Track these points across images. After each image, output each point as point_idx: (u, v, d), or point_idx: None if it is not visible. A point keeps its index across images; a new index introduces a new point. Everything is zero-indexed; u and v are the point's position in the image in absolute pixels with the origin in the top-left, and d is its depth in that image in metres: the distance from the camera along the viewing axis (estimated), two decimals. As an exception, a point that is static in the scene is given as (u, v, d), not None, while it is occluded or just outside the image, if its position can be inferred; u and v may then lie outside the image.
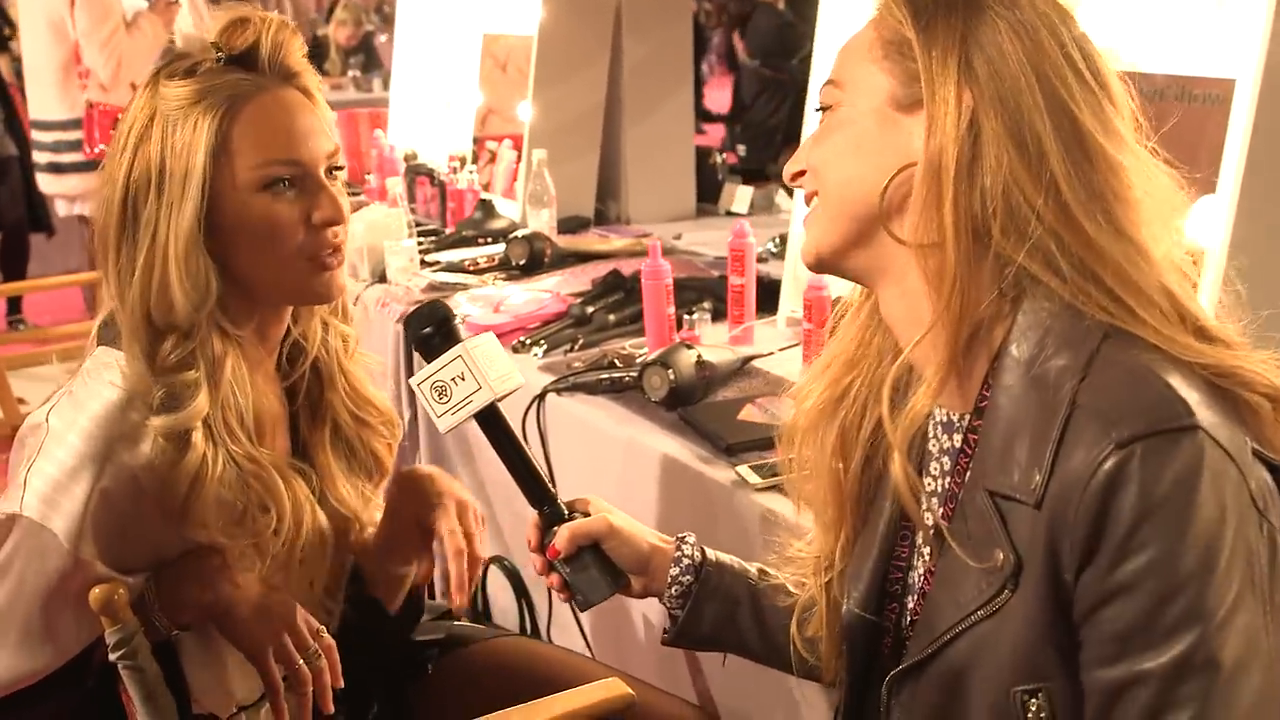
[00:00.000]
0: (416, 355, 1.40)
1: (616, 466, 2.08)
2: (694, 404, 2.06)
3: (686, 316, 2.40)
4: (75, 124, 4.81)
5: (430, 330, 1.38)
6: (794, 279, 2.54)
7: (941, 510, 1.12)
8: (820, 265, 1.14)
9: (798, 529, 1.58)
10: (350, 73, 8.18)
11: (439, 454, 2.71)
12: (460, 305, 2.73)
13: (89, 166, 4.81)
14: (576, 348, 2.45)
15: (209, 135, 1.35)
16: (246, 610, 1.41)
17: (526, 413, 2.23)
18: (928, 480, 1.16)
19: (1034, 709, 1.01)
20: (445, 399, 1.35)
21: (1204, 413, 0.95)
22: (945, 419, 1.13)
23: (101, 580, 1.34)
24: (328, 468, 1.56)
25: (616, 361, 2.30)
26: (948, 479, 1.13)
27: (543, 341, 2.46)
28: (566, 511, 1.41)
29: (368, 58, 8.61)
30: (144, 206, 1.36)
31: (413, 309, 1.39)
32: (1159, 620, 0.93)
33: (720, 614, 1.40)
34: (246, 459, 1.39)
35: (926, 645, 1.09)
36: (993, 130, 1.01)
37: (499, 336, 2.44)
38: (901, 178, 1.05)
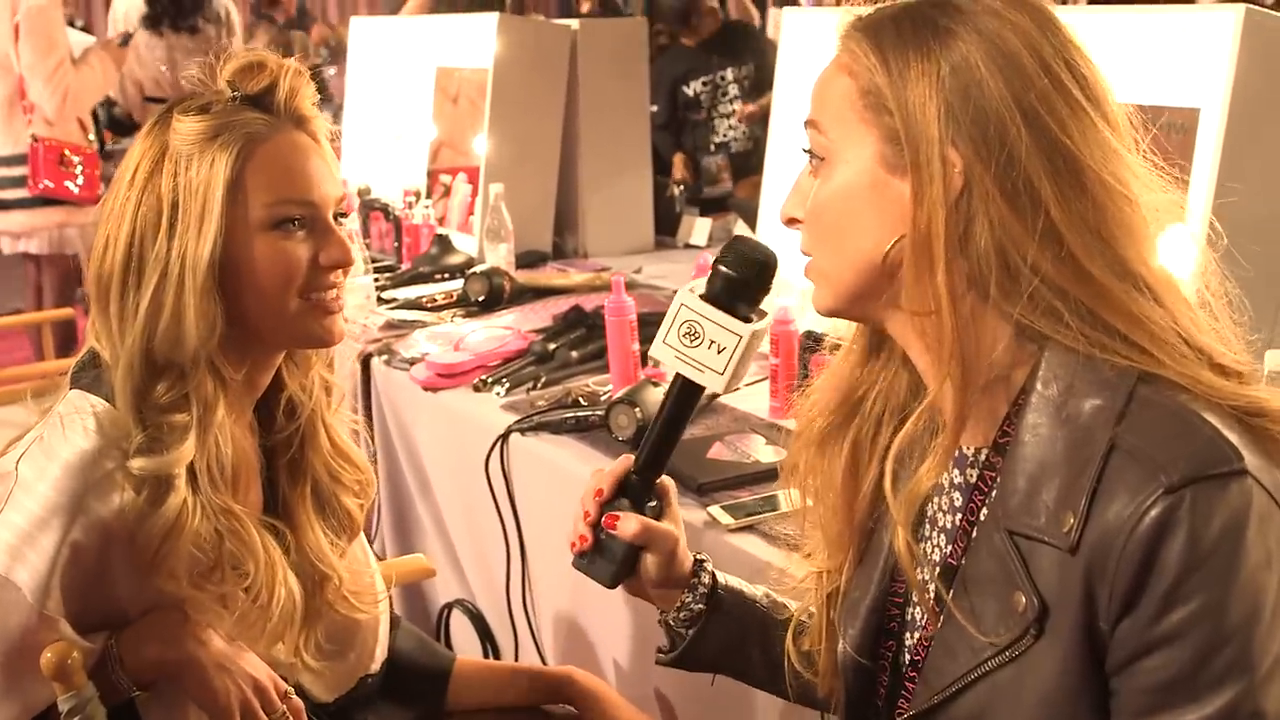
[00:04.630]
0: (706, 280, 1.22)
1: (583, 507, 2.04)
2: (661, 443, 2.02)
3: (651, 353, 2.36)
4: (19, 159, 4.72)
5: (742, 277, 1.20)
6: (757, 313, 2.51)
7: (951, 548, 1.09)
8: (834, 316, 1.12)
9: (769, 570, 1.55)
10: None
11: (398, 491, 2.67)
12: (419, 343, 2.69)
13: (35, 203, 4.72)
14: (539, 386, 2.40)
15: (225, 171, 1.34)
16: (212, 668, 1.36)
17: (490, 453, 2.19)
18: (938, 514, 1.12)
19: None
20: (688, 343, 1.19)
21: (1249, 455, 0.93)
22: (959, 453, 1.09)
23: (64, 638, 1.29)
24: (305, 524, 1.51)
25: (581, 400, 2.26)
26: (959, 515, 1.09)
27: (505, 380, 2.41)
28: (655, 502, 1.30)
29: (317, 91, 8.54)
30: (153, 243, 1.34)
31: (747, 242, 1.23)
32: (1204, 672, 0.91)
33: (727, 642, 1.34)
34: (223, 512, 1.35)
35: (937, 691, 1.05)
36: (983, 189, 0.97)
37: (460, 375, 2.47)
38: (899, 246, 1.01)
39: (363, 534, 1.64)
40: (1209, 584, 0.90)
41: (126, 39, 5.22)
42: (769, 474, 1.91)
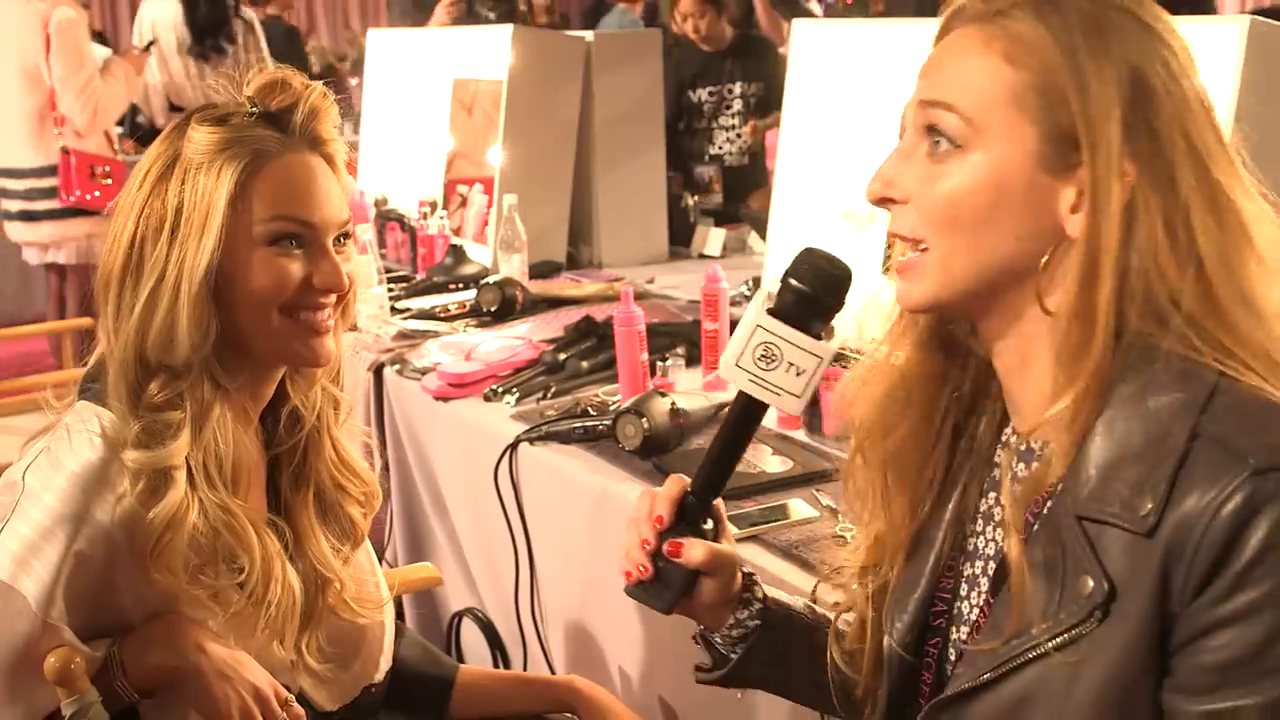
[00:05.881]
0: (776, 295, 1.15)
1: (590, 516, 2.05)
2: (668, 452, 2.03)
3: (660, 363, 2.37)
4: (49, 171, 4.77)
5: (815, 293, 1.12)
6: (768, 323, 2.51)
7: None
8: (932, 310, 1.08)
9: (775, 580, 1.55)
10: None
11: (409, 501, 2.68)
12: (431, 353, 2.70)
13: (64, 214, 4.77)
14: (549, 396, 2.42)
15: (230, 184, 1.35)
16: (213, 676, 1.37)
17: (499, 462, 2.20)
18: (995, 509, 1.11)
19: None
20: (765, 366, 1.11)
21: None
22: (1024, 447, 1.08)
23: (68, 645, 1.31)
24: (307, 527, 1.53)
25: (590, 410, 2.27)
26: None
27: (515, 390, 2.43)
28: (710, 523, 1.24)
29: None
30: (153, 245, 1.36)
31: (820, 254, 1.14)
32: (1266, 656, 0.90)
33: (772, 657, 1.30)
34: (220, 508, 1.37)
35: (981, 672, 1.03)
36: (1148, 210, 0.95)
37: (471, 384, 2.48)
38: (1059, 253, 0.99)
39: (368, 542, 1.65)
40: None
41: (149, 46, 5.28)
42: (775, 484, 1.92)
